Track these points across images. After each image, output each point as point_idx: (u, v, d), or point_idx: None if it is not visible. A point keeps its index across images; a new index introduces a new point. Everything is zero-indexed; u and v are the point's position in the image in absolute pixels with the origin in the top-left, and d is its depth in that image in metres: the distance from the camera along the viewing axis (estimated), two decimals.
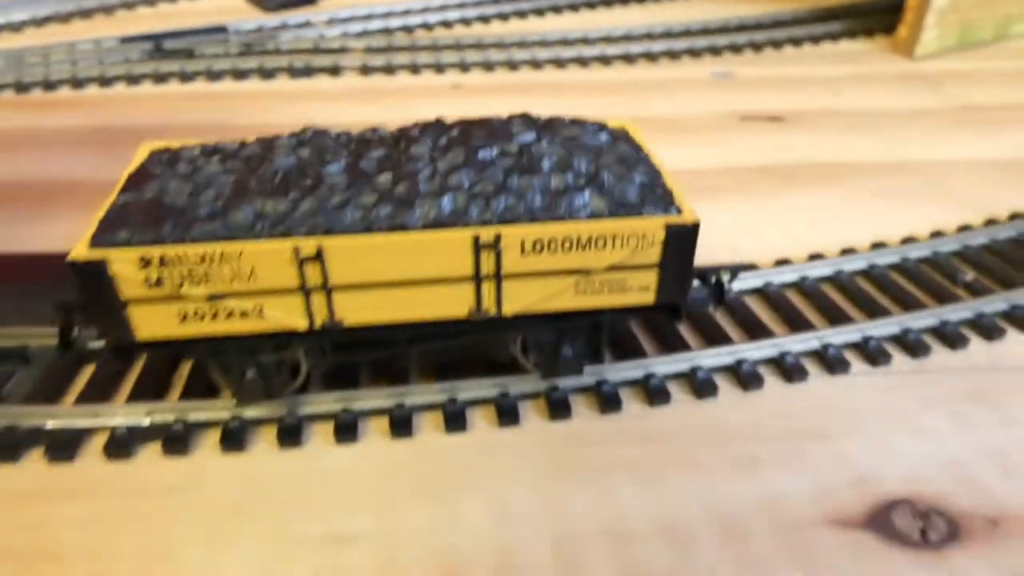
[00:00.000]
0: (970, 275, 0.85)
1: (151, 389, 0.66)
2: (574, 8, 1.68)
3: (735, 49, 1.48)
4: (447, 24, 1.56)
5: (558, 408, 0.67)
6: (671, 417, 0.68)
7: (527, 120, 0.64)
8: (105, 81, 1.26)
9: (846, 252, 0.88)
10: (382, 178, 0.57)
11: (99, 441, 0.63)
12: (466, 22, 1.57)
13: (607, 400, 0.67)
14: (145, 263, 0.52)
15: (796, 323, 0.77)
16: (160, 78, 1.28)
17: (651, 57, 1.44)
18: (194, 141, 0.63)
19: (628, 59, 1.43)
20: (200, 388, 0.67)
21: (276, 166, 0.58)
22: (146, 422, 0.63)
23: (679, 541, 0.57)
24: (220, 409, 0.64)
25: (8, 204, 0.95)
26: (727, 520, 0.59)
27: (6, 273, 0.78)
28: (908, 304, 0.80)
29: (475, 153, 0.59)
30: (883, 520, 0.59)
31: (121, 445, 0.61)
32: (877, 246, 0.89)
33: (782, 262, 0.86)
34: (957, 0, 1.45)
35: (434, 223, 0.55)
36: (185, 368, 0.69)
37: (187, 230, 0.53)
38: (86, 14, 1.55)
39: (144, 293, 0.53)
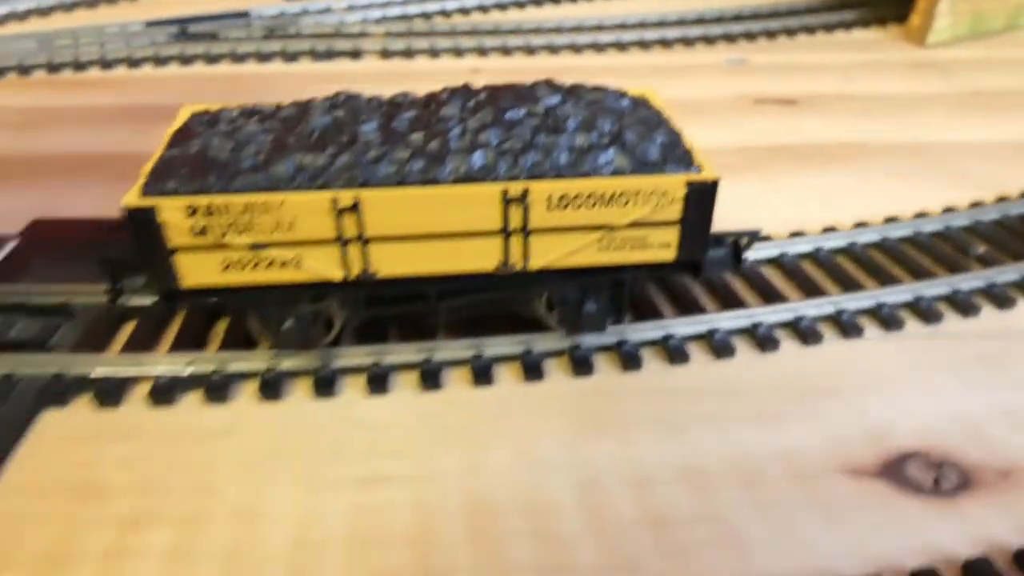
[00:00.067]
0: (982, 248, 0.87)
1: (191, 342, 0.69)
2: None
3: (749, 37, 1.50)
4: (465, 11, 1.59)
5: (581, 365, 0.69)
6: (690, 375, 0.70)
7: (551, 85, 0.66)
8: (133, 62, 1.29)
9: (859, 226, 0.90)
10: (414, 136, 0.60)
11: (142, 389, 0.66)
12: (484, 9, 1.60)
13: (628, 358, 0.70)
14: (192, 211, 0.55)
15: (811, 290, 0.79)
16: (186, 60, 1.31)
17: (665, 44, 1.46)
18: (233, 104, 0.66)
19: (643, 45, 1.45)
20: (237, 342, 0.69)
21: (313, 125, 0.60)
22: (187, 372, 0.66)
23: (698, 486, 0.59)
24: (257, 360, 0.66)
25: (46, 175, 0.98)
26: (745, 468, 0.61)
27: (49, 235, 0.81)
28: (921, 274, 0.82)
29: (503, 113, 0.61)
30: (896, 470, 0.61)
31: (164, 392, 0.64)
32: (890, 220, 0.91)
33: (797, 234, 0.88)
34: None
35: (464, 177, 0.57)
36: (222, 325, 0.72)
37: (231, 181, 0.56)
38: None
39: (190, 241, 0.56)
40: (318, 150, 0.58)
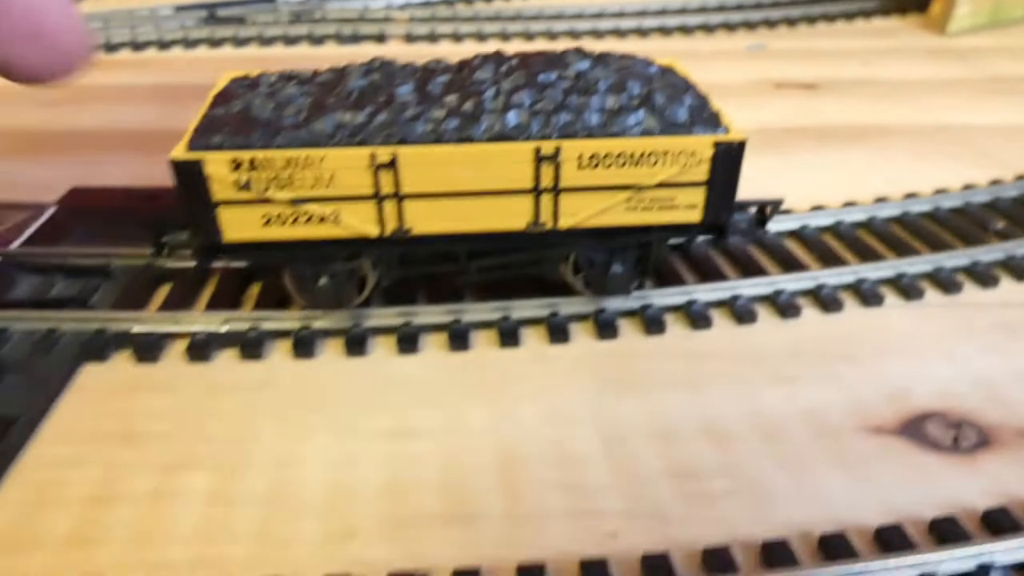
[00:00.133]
0: (1001, 223, 0.88)
1: (226, 303, 0.71)
2: None
3: (769, 24, 1.51)
4: None
5: (605, 328, 0.70)
6: (712, 339, 0.71)
7: (581, 52, 0.68)
8: (163, 45, 1.32)
9: (880, 200, 0.91)
10: (449, 98, 0.61)
11: (180, 345, 0.68)
12: None
13: (651, 322, 0.71)
14: (236, 165, 0.56)
15: (832, 260, 0.80)
16: (215, 43, 1.33)
17: (686, 31, 1.48)
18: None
19: (664, 32, 1.47)
20: (270, 303, 0.71)
21: (351, 87, 0.62)
22: (223, 329, 0.68)
23: (721, 441, 0.61)
24: (291, 320, 0.68)
25: (82, 148, 1.01)
26: (767, 425, 0.62)
27: (86, 202, 0.84)
28: (940, 247, 0.83)
29: (535, 76, 0.63)
30: (916, 429, 0.62)
31: (201, 348, 0.66)
32: (910, 196, 0.92)
33: (817, 208, 0.89)
34: None
35: (499, 136, 0.59)
36: (255, 288, 0.74)
37: (273, 137, 0.58)
38: None
39: (233, 195, 0.58)
40: (357, 109, 0.60)
